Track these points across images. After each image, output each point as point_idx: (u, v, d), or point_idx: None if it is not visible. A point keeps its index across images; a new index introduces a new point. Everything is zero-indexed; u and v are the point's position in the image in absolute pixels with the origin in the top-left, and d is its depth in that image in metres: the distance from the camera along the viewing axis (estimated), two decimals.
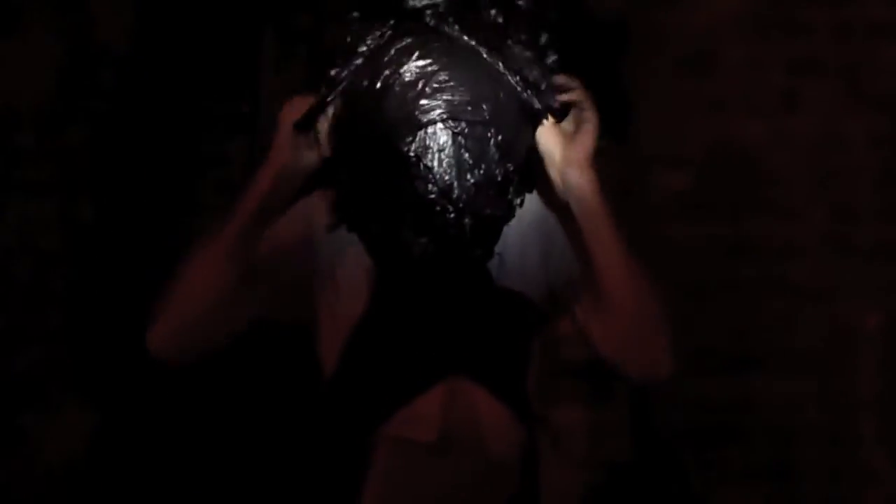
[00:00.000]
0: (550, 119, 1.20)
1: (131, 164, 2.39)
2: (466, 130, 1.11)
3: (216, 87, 2.44)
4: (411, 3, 1.14)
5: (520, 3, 1.18)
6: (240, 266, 1.23)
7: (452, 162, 1.11)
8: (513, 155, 1.15)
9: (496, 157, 1.13)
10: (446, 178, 1.10)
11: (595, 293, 1.26)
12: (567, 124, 1.24)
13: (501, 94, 1.12)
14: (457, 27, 1.12)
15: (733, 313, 2.36)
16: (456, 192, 1.11)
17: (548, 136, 1.25)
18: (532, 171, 1.20)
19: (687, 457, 2.39)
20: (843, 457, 2.35)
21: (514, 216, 1.22)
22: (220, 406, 2.40)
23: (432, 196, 1.10)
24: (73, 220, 2.41)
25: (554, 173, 1.22)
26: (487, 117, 1.11)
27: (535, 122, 1.17)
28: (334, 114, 1.16)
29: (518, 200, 1.19)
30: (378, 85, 1.11)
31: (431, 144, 1.11)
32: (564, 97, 1.21)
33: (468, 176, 1.11)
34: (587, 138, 1.23)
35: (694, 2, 2.39)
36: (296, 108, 1.17)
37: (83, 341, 2.33)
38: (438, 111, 1.11)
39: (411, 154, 1.10)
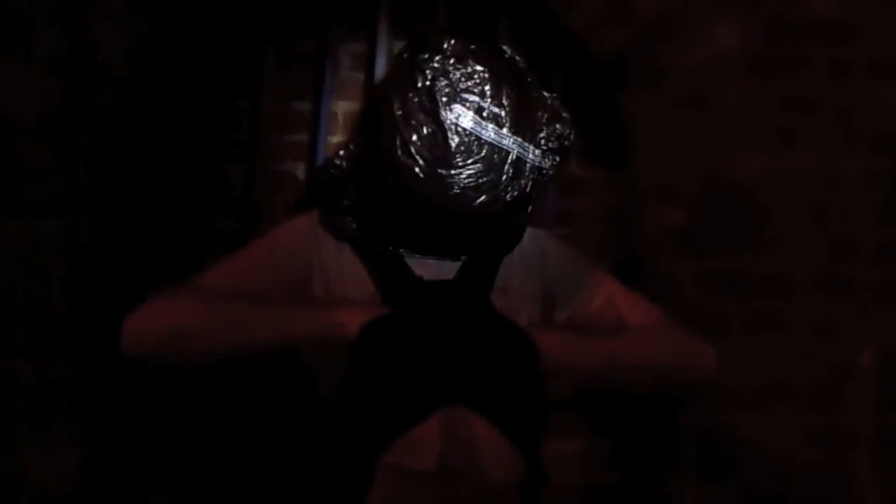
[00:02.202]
0: None
1: (131, 187, 2.39)
2: None
3: (216, 111, 2.46)
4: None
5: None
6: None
7: None
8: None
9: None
10: None
11: None
12: None
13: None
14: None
15: (728, 349, 2.34)
16: None
17: None
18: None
19: (681, 492, 2.36)
20: (837, 494, 2.31)
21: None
22: (219, 428, 2.39)
23: None
24: (74, 243, 2.41)
25: None
26: None
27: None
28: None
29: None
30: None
31: None
32: None
33: None
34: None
35: (692, 40, 2.41)
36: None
37: (83, 364, 2.32)
38: None
39: None
